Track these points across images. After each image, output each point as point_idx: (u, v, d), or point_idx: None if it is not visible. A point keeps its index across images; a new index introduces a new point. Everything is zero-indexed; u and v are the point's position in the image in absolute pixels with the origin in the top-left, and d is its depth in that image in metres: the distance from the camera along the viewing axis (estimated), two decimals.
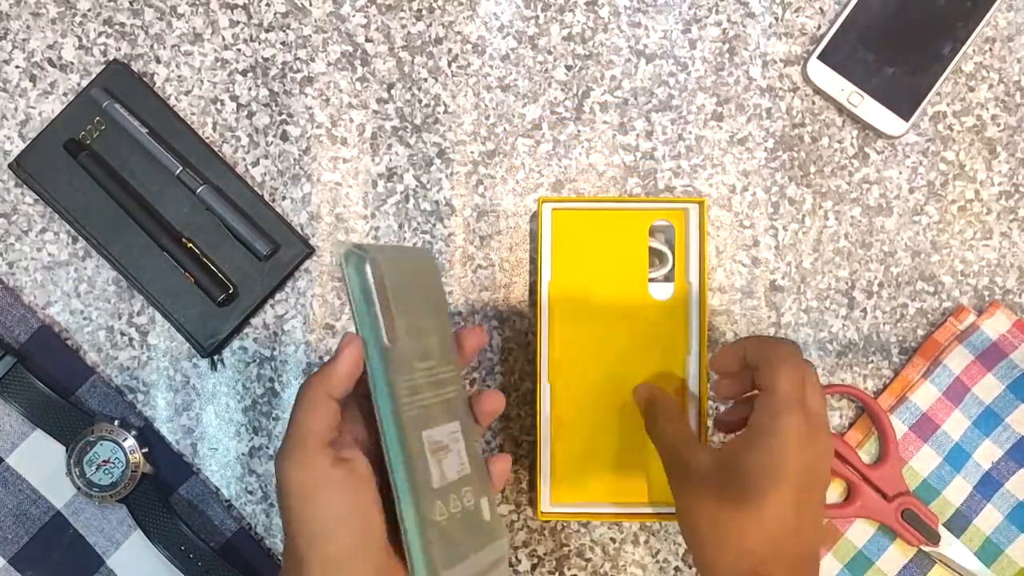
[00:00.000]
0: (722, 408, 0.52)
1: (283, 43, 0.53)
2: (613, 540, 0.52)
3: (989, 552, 0.51)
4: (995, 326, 0.51)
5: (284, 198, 0.53)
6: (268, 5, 0.53)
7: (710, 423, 0.51)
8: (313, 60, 0.53)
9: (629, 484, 0.49)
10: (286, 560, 0.37)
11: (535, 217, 0.52)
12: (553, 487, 0.49)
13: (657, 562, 0.52)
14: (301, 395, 0.37)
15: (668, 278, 0.50)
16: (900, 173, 0.53)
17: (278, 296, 0.53)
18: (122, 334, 0.52)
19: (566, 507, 0.49)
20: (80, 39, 0.53)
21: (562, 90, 0.53)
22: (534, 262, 0.52)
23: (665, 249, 0.50)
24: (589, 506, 0.49)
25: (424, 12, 0.53)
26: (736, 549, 0.39)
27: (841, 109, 0.53)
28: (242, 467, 0.52)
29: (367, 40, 0.53)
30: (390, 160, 0.53)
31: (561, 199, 0.49)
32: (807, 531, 0.39)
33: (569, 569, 0.52)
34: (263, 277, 0.52)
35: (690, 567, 0.52)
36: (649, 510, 0.49)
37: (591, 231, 0.50)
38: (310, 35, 0.53)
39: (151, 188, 0.52)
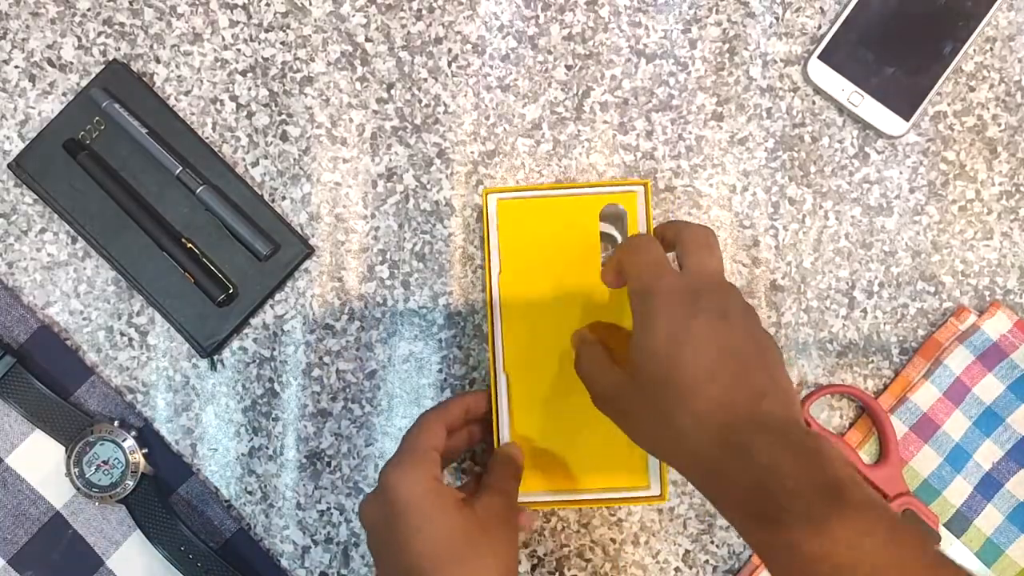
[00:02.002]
0: None
1: (283, 43, 0.53)
2: (613, 540, 0.52)
3: (989, 552, 0.51)
4: (996, 326, 0.51)
5: (284, 198, 0.53)
6: (268, 5, 0.53)
7: None
8: (313, 60, 0.53)
9: (594, 470, 0.48)
10: None
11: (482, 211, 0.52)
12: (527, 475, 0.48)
13: (657, 562, 0.52)
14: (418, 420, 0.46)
15: None
16: (900, 173, 0.53)
17: (278, 296, 0.53)
18: (122, 334, 0.52)
19: (531, 496, 0.48)
20: (80, 39, 0.53)
21: (562, 90, 0.53)
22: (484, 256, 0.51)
23: (615, 233, 0.49)
24: (554, 494, 0.48)
25: (424, 12, 0.53)
26: (686, 447, 0.37)
27: (841, 109, 0.53)
28: (242, 467, 0.52)
29: (367, 40, 0.53)
30: (390, 160, 0.53)
31: (507, 188, 0.49)
32: (745, 382, 0.37)
33: (569, 569, 0.52)
34: (263, 277, 0.52)
35: (690, 567, 0.52)
36: (617, 495, 0.48)
37: (541, 220, 0.48)
38: (310, 35, 0.53)
39: (151, 188, 0.52)
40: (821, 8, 0.54)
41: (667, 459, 0.40)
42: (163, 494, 0.51)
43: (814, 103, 0.53)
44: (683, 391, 0.37)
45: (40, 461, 0.51)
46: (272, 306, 0.53)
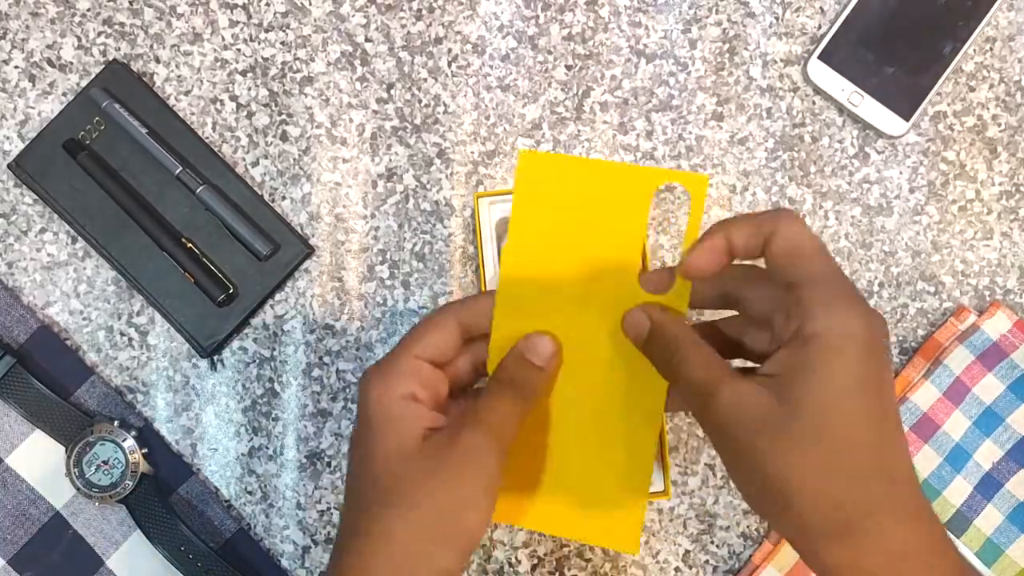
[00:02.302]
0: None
1: (283, 43, 0.53)
2: None
3: (990, 552, 0.51)
4: (996, 326, 0.51)
5: (284, 198, 0.53)
6: (268, 5, 0.53)
7: None
8: (313, 60, 0.53)
9: (577, 516, 0.39)
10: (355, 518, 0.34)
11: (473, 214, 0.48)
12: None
13: (657, 563, 0.52)
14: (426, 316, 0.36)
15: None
16: (900, 173, 0.53)
17: (278, 296, 0.53)
18: (122, 334, 0.52)
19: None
20: (79, 39, 0.53)
21: (562, 90, 0.53)
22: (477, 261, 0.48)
23: None
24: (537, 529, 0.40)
25: (424, 12, 0.53)
26: (820, 499, 0.30)
27: (841, 109, 0.53)
28: (242, 467, 0.52)
29: (367, 40, 0.53)
30: (390, 160, 0.53)
31: (497, 192, 0.46)
32: (893, 449, 0.31)
33: (569, 569, 0.52)
34: (263, 277, 0.52)
35: (690, 567, 0.52)
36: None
37: (572, 193, 0.37)
38: (310, 35, 0.53)
39: (151, 188, 0.52)
40: (821, 8, 0.54)
41: (776, 520, 0.33)
42: (163, 494, 0.51)
43: (814, 103, 0.53)
44: (850, 452, 0.30)
45: (40, 461, 0.51)
46: (272, 306, 0.53)
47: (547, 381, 0.36)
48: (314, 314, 0.52)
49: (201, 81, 0.53)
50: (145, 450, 0.51)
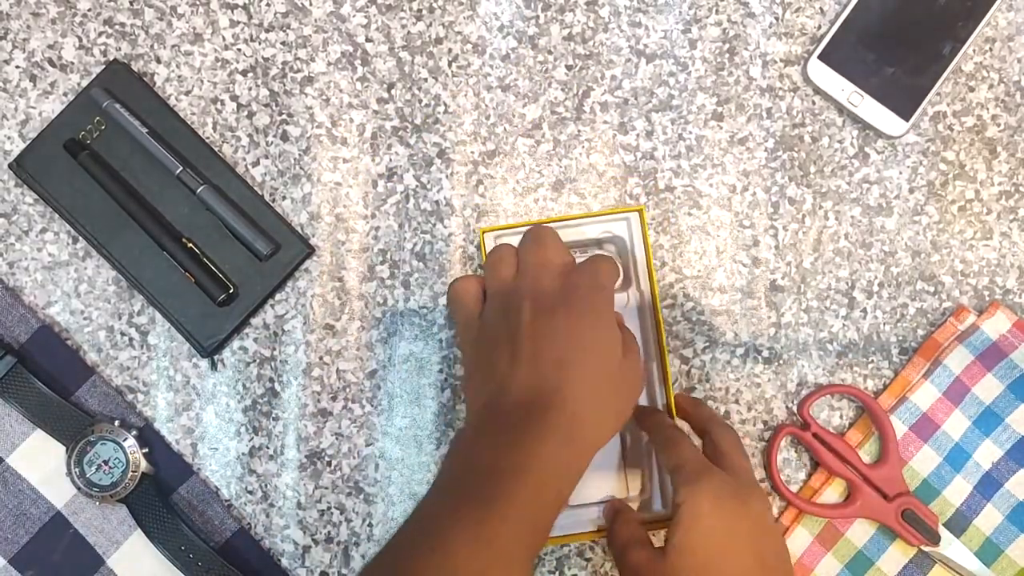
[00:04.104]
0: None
1: (283, 43, 0.53)
2: None
3: (989, 552, 0.51)
4: (995, 326, 0.51)
5: (284, 198, 0.53)
6: (268, 5, 0.53)
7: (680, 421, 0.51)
8: (313, 60, 0.53)
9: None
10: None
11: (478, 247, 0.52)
12: None
13: None
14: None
15: (623, 288, 0.50)
16: (900, 173, 0.53)
17: (278, 296, 0.53)
18: (122, 334, 0.52)
19: (553, 531, 0.48)
20: (80, 39, 0.53)
21: (562, 90, 0.53)
22: None
23: (616, 262, 0.48)
24: (576, 526, 0.49)
25: (424, 12, 0.53)
26: None
27: (841, 109, 0.53)
28: (242, 467, 0.52)
29: (367, 40, 0.53)
30: (390, 160, 0.53)
31: (502, 227, 0.49)
32: None
33: (569, 569, 0.52)
34: (263, 277, 0.52)
35: None
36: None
37: None
38: (310, 35, 0.53)
39: (151, 188, 0.52)
40: (821, 8, 0.54)
41: None
42: (164, 494, 0.51)
43: (814, 103, 0.53)
44: None
45: (41, 461, 0.51)
46: (272, 306, 0.53)
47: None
48: (314, 314, 0.53)
49: (202, 81, 0.53)
50: (146, 450, 0.51)
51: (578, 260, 0.47)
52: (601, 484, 0.49)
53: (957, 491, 0.51)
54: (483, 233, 0.49)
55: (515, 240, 0.47)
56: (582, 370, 0.41)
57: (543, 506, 0.39)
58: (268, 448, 0.52)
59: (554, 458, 0.39)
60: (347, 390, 0.52)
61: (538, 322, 0.41)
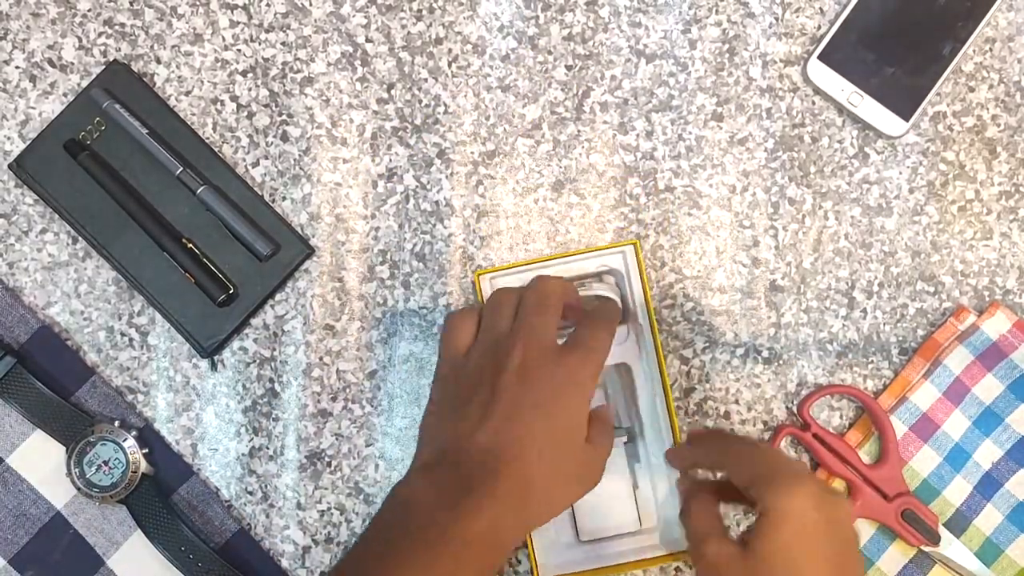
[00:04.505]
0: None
1: (283, 43, 0.53)
2: None
3: (989, 552, 0.51)
4: (995, 326, 0.51)
5: (284, 198, 0.53)
6: (268, 5, 0.53)
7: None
8: (313, 60, 0.53)
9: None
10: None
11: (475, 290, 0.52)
12: (548, 548, 0.49)
13: None
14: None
15: (621, 321, 0.49)
16: (900, 173, 0.53)
17: (278, 296, 0.53)
18: (122, 334, 0.52)
19: (564, 568, 0.49)
20: (80, 39, 0.53)
21: (562, 90, 0.53)
22: None
23: (612, 295, 0.49)
24: (588, 562, 0.49)
25: (424, 12, 0.53)
26: None
27: (841, 109, 0.53)
28: (242, 467, 0.52)
29: (367, 40, 0.53)
30: (390, 160, 0.53)
31: (497, 269, 0.50)
32: None
33: None
34: (263, 277, 0.52)
35: (690, 567, 0.52)
36: (649, 556, 0.49)
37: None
38: (310, 35, 0.53)
39: (151, 188, 0.52)
40: (821, 8, 0.54)
41: None
42: (164, 494, 0.51)
43: (814, 103, 0.54)
44: None
45: (41, 461, 0.51)
46: (272, 306, 0.53)
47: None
48: (314, 314, 0.53)
49: (202, 81, 0.53)
50: (146, 450, 0.51)
51: (580, 295, 0.48)
52: (613, 517, 0.49)
53: (957, 491, 0.51)
54: (478, 276, 0.49)
55: (513, 281, 0.49)
56: (547, 445, 0.41)
57: (478, 571, 0.39)
58: (268, 449, 0.52)
59: (498, 525, 0.39)
60: (347, 391, 0.52)
61: (519, 388, 0.42)
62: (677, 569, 0.52)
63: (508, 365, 0.42)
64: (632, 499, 0.49)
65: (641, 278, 0.49)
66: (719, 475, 0.49)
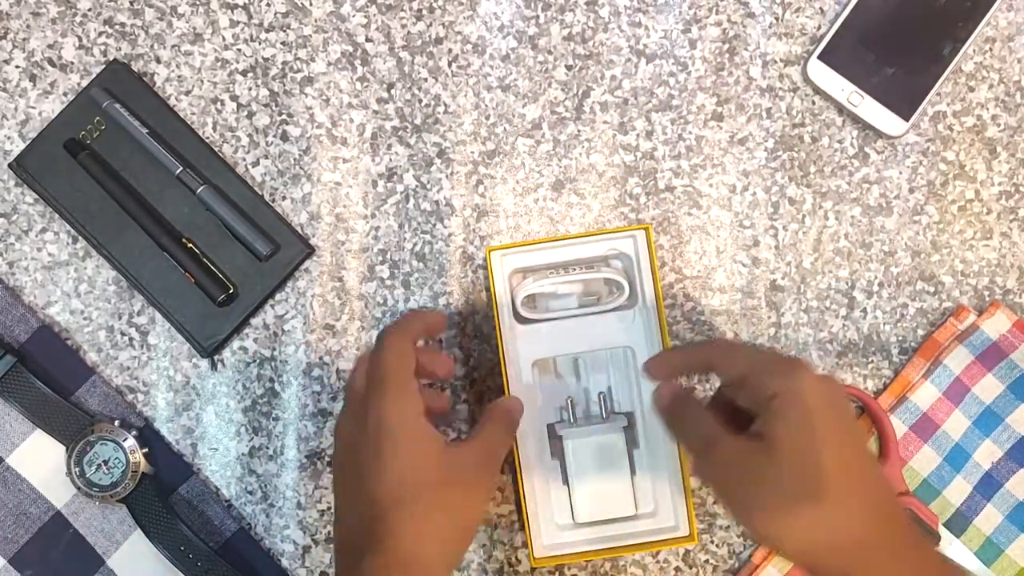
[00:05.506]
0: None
1: (283, 43, 0.53)
2: None
3: (989, 552, 0.51)
4: (995, 326, 0.51)
5: (284, 198, 0.53)
6: (268, 5, 0.53)
7: None
8: (313, 60, 0.53)
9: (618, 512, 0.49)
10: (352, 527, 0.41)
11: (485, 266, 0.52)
12: (544, 528, 0.49)
13: (657, 562, 0.52)
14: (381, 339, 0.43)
15: (628, 305, 0.50)
16: (900, 173, 0.53)
17: (278, 296, 0.53)
18: (122, 334, 0.52)
19: (559, 549, 0.49)
20: (80, 39, 0.53)
21: (562, 90, 0.53)
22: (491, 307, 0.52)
23: (621, 278, 0.49)
24: (584, 544, 0.49)
25: (424, 12, 0.53)
26: (815, 545, 0.37)
27: (841, 109, 0.53)
28: (242, 467, 0.52)
29: (367, 40, 0.53)
30: (390, 160, 0.53)
31: (509, 246, 0.49)
32: (863, 474, 0.38)
33: (569, 569, 0.52)
34: (263, 277, 0.52)
35: (690, 567, 0.52)
36: (645, 540, 0.49)
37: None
38: (310, 35, 0.53)
39: (151, 188, 0.52)
40: (821, 8, 0.54)
41: (776, 539, 0.38)
42: (163, 494, 0.51)
43: (814, 103, 0.54)
44: (832, 482, 0.37)
45: (41, 461, 0.51)
46: (272, 306, 0.53)
47: (516, 426, 0.46)
48: (314, 314, 0.53)
49: (202, 81, 0.53)
50: (145, 450, 0.51)
51: (585, 277, 0.49)
52: (610, 501, 0.49)
53: (957, 491, 0.51)
54: (489, 252, 0.49)
55: (524, 260, 0.49)
56: (414, 507, 0.40)
57: None
58: (268, 448, 0.52)
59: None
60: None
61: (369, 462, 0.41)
62: (677, 569, 0.52)
63: (367, 431, 0.41)
64: (630, 484, 0.49)
65: (651, 263, 0.49)
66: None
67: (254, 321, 0.53)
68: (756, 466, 0.38)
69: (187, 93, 0.53)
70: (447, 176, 0.53)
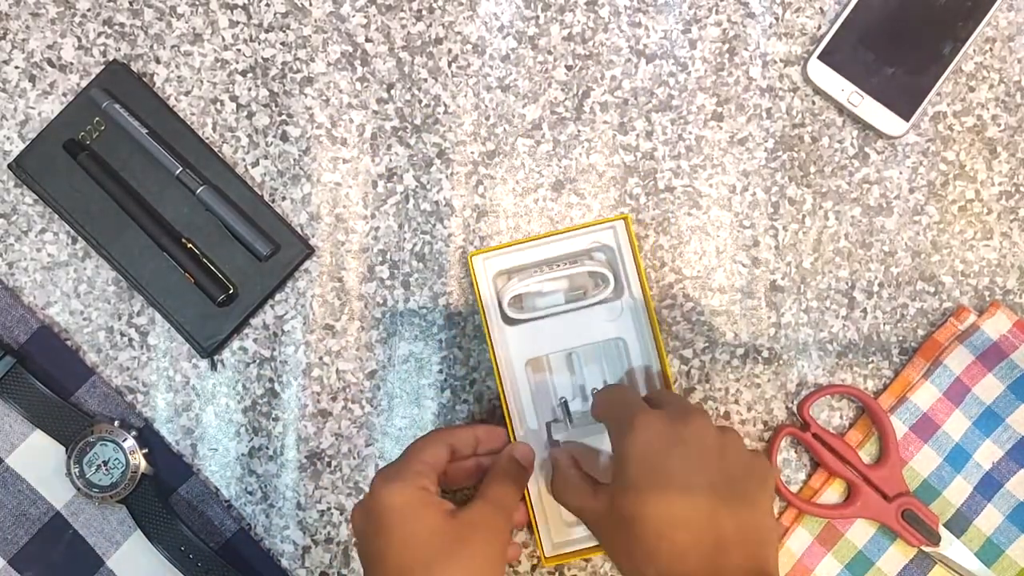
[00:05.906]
0: None
1: (283, 43, 0.53)
2: None
3: (989, 552, 0.51)
4: (995, 326, 0.51)
5: (284, 198, 0.53)
6: (268, 5, 0.53)
7: None
8: (313, 60, 0.53)
9: None
10: None
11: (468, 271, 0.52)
12: (553, 527, 0.49)
13: None
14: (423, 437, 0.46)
15: (615, 297, 0.50)
16: (900, 173, 0.53)
17: (278, 296, 0.53)
18: (122, 334, 0.52)
19: (570, 546, 0.49)
20: (80, 39, 0.53)
21: (562, 90, 0.53)
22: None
23: (605, 270, 0.49)
24: (591, 539, 0.49)
25: (424, 12, 0.53)
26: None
27: (841, 109, 0.53)
28: (242, 467, 0.52)
29: (367, 40, 0.53)
30: (390, 160, 0.53)
31: (490, 249, 0.49)
32: (712, 531, 0.39)
33: (569, 569, 0.52)
34: (263, 277, 0.52)
35: None
36: None
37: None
38: (310, 35, 0.53)
39: (151, 188, 0.52)
40: (821, 8, 0.54)
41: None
42: (163, 494, 0.51)
43: (814, 103, 0.53)
44: (652, 537, 0.39)
45: (40, 461, 0.51)
46: (272, 306, 0.53)
47: (529, 474, 0.47)
48: (314, 314, 0.53)
49: (201, 81, 0.53)
50: (145, 450, 0.51)
51: (569, 273, 0.49)
52: None
53: (957, 491, 0.51)
54: (471, 257, 0.49)
55: (507, 261, 0.50)
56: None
57: None
58: (268, 449, 0.52)
59: None
60: (347, 390, 0.52)
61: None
62: None
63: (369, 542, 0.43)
64: None
65: (633, 252, 0.49)
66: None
67: (254, 321, 0.52)
68: (609, 523, 0.42)
69: (187, 93, 0.53)
70: (447, 176, 0.53)
